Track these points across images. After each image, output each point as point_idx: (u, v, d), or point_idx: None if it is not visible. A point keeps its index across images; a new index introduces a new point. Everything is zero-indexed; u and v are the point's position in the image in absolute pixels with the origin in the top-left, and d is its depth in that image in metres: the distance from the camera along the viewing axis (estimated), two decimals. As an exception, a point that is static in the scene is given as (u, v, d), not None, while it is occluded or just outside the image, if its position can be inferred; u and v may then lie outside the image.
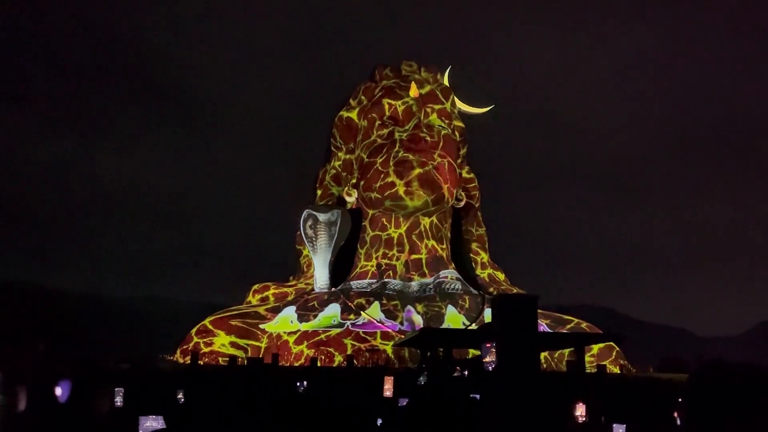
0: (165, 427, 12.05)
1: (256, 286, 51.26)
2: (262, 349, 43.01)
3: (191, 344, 43.56)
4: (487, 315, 42.13)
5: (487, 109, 57.11)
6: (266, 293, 50.38)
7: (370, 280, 48.08)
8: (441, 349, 34.63)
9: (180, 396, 18.46)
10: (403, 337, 39.82)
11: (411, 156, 47.45)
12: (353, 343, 41.14)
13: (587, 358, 40.04)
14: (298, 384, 22.70)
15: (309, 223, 48.23)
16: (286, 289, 50.36)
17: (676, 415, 13.72)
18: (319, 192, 54.04)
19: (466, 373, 28.63)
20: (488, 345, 19.36)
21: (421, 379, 25.87)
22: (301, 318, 44.26)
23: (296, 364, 39.59)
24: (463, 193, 52.01)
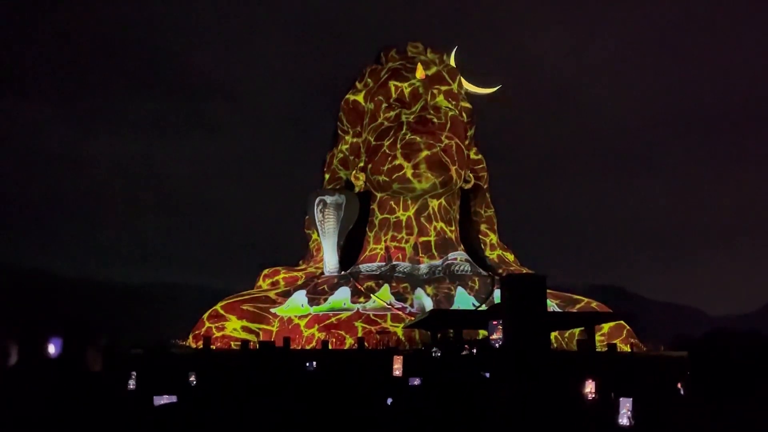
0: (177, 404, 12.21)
1: (266, 271, 51.49)
2: (274, 333, 43.35)
3: (203, 329, 43.96)
4: (497, 296, 42.22)
5: (494, 89, 56.77)
6: (276, 278, 50.60)
7: (380, 263, 48.21)
8: (451, 330, 34.87)
9: (192, 378, 18.68)
10: (413, 319, 40.01)
11: (418, 138, 47.31)
12: (364, 325, 41.37)
13: (598, 338, 40.14)
14: (307, 364, 22.88)
15: (318, 207, 48.30)
16: (296, 274, 50.58)
17: (679, 386, 13.80)
18: (327, 176, 54.06)
19: (475, 351, 28.80)
20: (494, 322, 19.47)
21: (435, 350, 26.01)
22: (312, 302, 44.50)
23: (308, 348, 39.87)
24: (471, 175, 51.86)
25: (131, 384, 15.95)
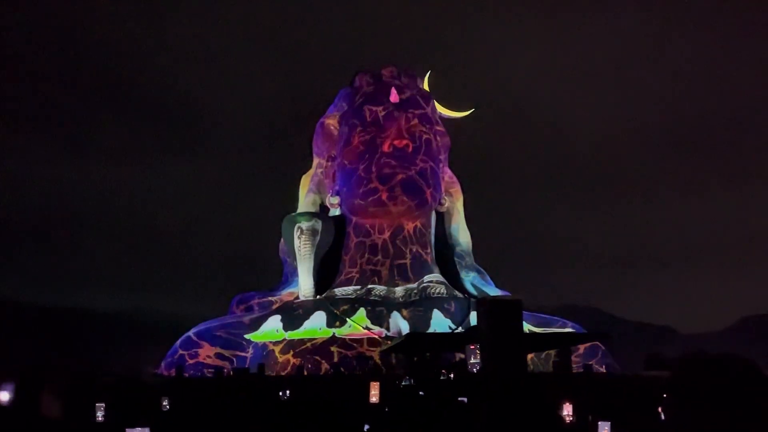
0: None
1: (240, 296, 50.86)
2: (248, 360, 42.70)
3: (176, 357, 43.14)
4: (474, 318, 42.18)
5: (468, 112, 57.27)
6: (250, 303, 50.02)
7: (355, 287, 47.92)
8: (428, 354, 34.66)
9: (165, 403, 18.26)
10: (389, 343, 39.72)
11: (393, 161, 47.50)
12: (340, 350, 40.96)
13: (573, 359, 40.28)
14: (281, 393, 22.54)
15: (296, 233, 47.88)
16: (270, 299, 50.04)
17: (660, 410, 13.81)
18: (301, 200, 53.86)
19: (452, 376, 28.63)
20: (472, 347, 19.36)
21: (404, 382, 25.76)
22: (287, 327, 43.98)
23: (283, 374, 39.32)
24: (446, 197, 52.14)
25: (100, 416, 15.48)
